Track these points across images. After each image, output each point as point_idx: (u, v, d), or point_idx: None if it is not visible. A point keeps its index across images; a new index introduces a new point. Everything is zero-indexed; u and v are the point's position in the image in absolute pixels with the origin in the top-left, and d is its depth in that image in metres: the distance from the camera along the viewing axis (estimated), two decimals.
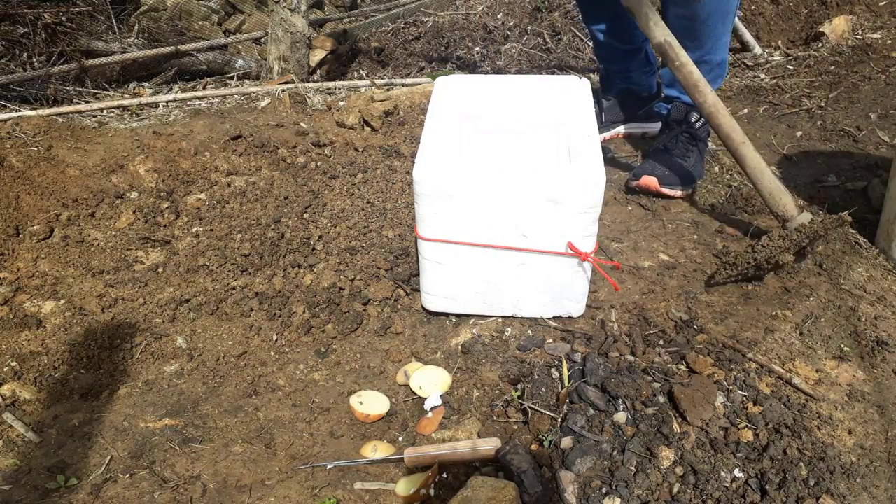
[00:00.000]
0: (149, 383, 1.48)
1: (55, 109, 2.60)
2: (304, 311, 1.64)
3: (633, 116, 2.40)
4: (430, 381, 1.43)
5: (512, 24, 3.39)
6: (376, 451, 1.29)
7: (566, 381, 1.37)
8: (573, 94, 1.66)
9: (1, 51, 2.97)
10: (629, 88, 2.33)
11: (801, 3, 3.18)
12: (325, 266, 1.76)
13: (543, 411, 1.32)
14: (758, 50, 3.03)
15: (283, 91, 2.73)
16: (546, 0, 3.39)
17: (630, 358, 1.43)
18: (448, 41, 3.40)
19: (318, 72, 3.21)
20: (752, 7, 3.20)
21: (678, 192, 2.05)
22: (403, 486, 1.22)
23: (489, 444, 1.26)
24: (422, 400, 1.41)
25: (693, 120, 2.10)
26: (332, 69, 3.28)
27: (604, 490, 1.15)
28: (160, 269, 1.79)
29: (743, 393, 1.33)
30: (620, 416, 1.27)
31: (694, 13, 1.88)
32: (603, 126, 2.37)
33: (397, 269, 1.74)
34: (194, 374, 1.50)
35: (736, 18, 2.99)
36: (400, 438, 1.34)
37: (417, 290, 1.65)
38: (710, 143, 2.35)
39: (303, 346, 1.57)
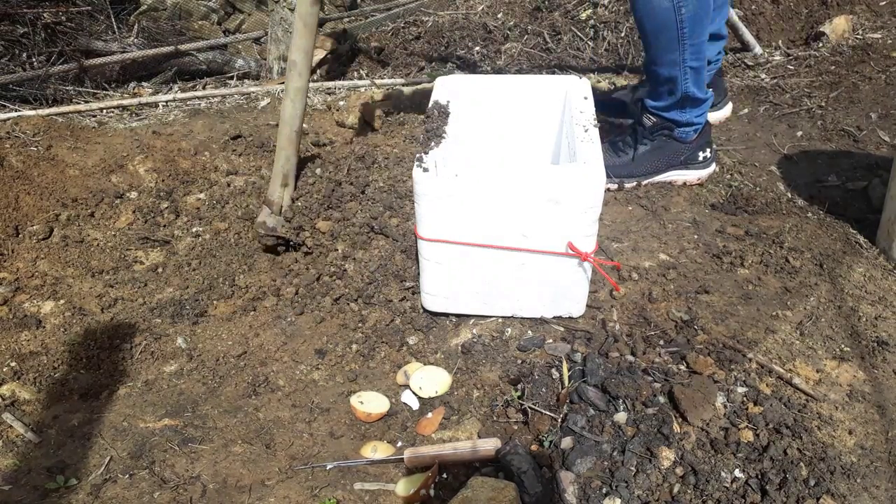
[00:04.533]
0: (148, 383, 1.48)
1: (55, 109, 2.59)
2: (305, 312, 1.64)
3: (674, 163, 2.06)
4: (430, 381, 1.43)
5: (512, 23, 3.39)
6: (376, 451, 1.29)
7: (566, 382, 1.37)
8: (573, 94, 1.66)
9: (0, 51, 2.96)
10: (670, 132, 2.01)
11: (802, 2, 3.18)
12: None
13: (543, 411, 1.31)
14: (758, 50, 3.02)
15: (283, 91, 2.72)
16: (546, 0, 3.39)
17: (630, 358, 1.43)
18: (448, 41, 3.39)
19: (318, 71, 3.21)
20: (752, 7, 3.20)
21: None
22: (403, 487, 1.22)
23: (489, 445, 1.25)
24: (419, 400, 1.41)
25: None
26: (332, 69, 3.28)
27: (604, 490, 1.15)
28: (160, 269, 1.79)
29: (743, 393, 1.33)
30: (620, 417, 1.27)
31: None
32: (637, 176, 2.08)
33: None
34: (194, 374, 1.49)
35: (736, 18, 2.99)
36: (400, 439, 1.34)
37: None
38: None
39: (303, 346, 1.56)
